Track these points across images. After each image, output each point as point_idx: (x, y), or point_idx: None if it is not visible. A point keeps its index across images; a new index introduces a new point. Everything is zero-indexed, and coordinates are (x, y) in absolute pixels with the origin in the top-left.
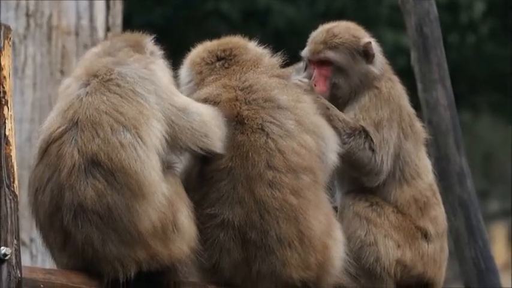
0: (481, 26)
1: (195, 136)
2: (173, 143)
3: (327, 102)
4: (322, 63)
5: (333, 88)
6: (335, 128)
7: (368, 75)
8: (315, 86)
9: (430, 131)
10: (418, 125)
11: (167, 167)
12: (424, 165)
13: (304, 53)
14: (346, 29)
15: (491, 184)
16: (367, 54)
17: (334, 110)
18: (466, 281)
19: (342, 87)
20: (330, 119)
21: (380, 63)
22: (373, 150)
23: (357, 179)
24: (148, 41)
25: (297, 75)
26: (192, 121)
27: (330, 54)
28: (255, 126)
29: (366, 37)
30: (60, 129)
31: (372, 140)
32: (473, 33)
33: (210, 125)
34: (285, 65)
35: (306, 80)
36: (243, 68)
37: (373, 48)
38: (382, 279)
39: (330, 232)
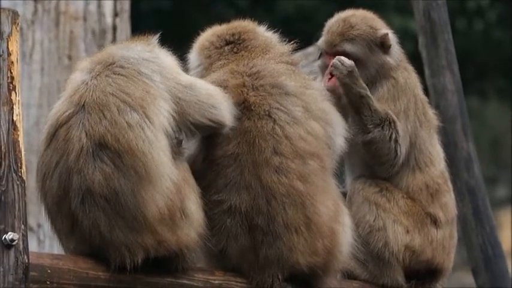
0: (489, 12)
1: (203, 108)
2: (182, 120)
3: (362, 91)
4: (339, 54)
5: None
6: (363, 114)
7: (384, 65)
8: (332, 77)
9: (438, 117)
10: (431, 112)
11: (176, 153)
12: (437, 153)
13: (320, 43)
14: (362, 20)
15: (499, 170)
16: (383, 46)
17: (369, 99)
18: (473, 266)
19: None
20: (360, 107)
21: (396, 54)
22: (396, 142)
23: (370, 167)
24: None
25: (307, 62)
26: (199, 94)
27: (347, 47)
28: (262, 112)
29: (383, 28)
30: (67, 113)
31: (397, 131)
32: (481, 19)
33: (217, 97)
34: (294, 50)
35: (351, 63)
36: (251, 54)
37: (390, 39)
38: (390, 265)
39: (337, 217)
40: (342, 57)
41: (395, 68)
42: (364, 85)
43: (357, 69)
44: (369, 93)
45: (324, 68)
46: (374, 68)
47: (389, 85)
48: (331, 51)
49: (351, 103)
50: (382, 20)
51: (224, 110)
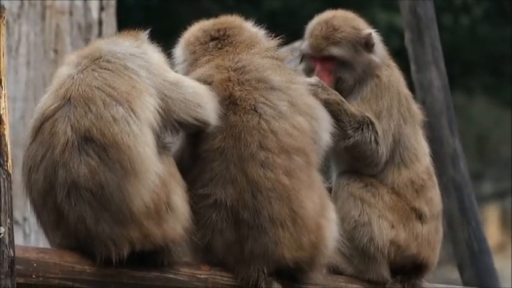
0: (475, 8)
1: (188, 106)
2: (167, 116)
3: (338, 97)
4: (325, 58)
5: (338, 82)
6: (342, 122)
7: (370, 64)
8: None
9: (423, 113)
10: (415, 107)
11: (161, 148)
12: (422, 148)
13: (304, 47)
14: (345, 21)
15: (485, 166)
16: (368, 45)
17: (345, 104)
18: (459, 262)
19: (346, 81)
20: (339, 113)
21: (380, 52)
22: (377, 143)
23: (355, 166)
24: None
25: (293, 57)
26: (185, 93)
27: (334, 51)
28: (248, 107)
29: (365, 28)
30: (53, 107)
31: (377, 132)
32: (467, 15)
33: (202, 96)
34: (280, 45)
35: (315, 79)
36: (236, 49)
37: (373, 38)
38: (375, 260)
39: (323, 212)
40: (306, 78)
41: (380, 66)
42: (335, 91)
43: (323, 82)
44: (342, 98)
45: (309, 71)
46: (361, 68)
47: (373, 84)
48: (317, 55)
49: (330, 112)
50: (363, 18)
51: (209, 109)
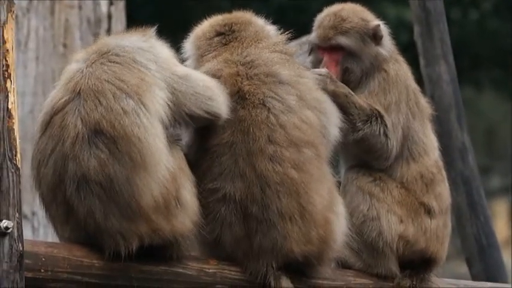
0: (484, 2)
1: (199, 100)
2: (178, 110)
3: (347, 90)
4: (333, 48)
5: (345, 73)
6: (351, 114)
7: (378, 57)
8: None
9: (432, 107)
10: (423, 101)
11: (171, 141)
12: (431, 142)
13: (313, 38)
14: (353, 12)
15: (493, 160)
16: (376, 37)
17: (353, 97)
18: (468, 256)
19: (354, 72)
20: (347, 106)
21: (388, 45)
22: (386, 136)
23: (365, 160)
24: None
25: (302, 52)
26: (195, 86)
27: (341, 40)
28: (257, 101)
29: (374, 20)
30: (62, 100)
31: (386, 125)
32: (476, 9)
33: (213, 89)
34: (288, 40)
35: (325, 70)
36: (243, 44)
37: (381, 30)
38: (384, 254)
39: (332, 206)
40: (316, 69)
41: (387, 60)
42: (343, 84)
43: (332, 74)
44: (350, 91)
45: (317, 63)
46: (368, 60)
47: (380, 78)
48: (325, 45)
49: (338, 105)
50: (373, 12)
51: (220, 102)
